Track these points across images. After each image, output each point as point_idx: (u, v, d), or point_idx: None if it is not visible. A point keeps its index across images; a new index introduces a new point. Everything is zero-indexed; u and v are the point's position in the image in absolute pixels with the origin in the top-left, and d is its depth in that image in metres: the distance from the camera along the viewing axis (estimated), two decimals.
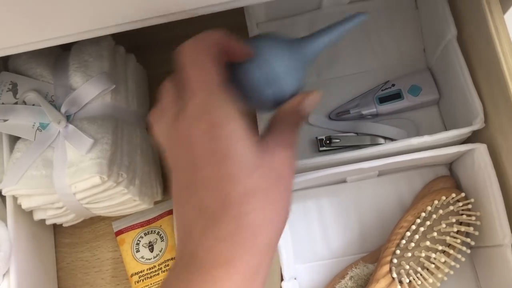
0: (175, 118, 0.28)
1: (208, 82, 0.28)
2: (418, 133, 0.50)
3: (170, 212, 0.52)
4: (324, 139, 0.50)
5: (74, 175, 0.43)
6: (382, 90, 0.50)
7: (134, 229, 0.53)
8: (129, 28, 0.37)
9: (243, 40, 0.33)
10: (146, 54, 0.56)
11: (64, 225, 0.50)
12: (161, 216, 0.53)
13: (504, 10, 0.42)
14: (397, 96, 0.49)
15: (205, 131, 0.27)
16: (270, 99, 0.33)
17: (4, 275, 0.45)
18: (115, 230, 0.53)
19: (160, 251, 0.51)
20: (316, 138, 0.51)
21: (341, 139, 0.50)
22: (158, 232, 0.52)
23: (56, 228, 0.55)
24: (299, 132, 0.32)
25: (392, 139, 0.49)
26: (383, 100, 0.49)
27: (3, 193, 0.45)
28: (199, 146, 0.27)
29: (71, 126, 0.44)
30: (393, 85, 0.50)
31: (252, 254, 0.28)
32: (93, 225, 0.54)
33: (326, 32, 0.37)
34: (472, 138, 0.44)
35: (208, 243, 0.27)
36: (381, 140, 0.50)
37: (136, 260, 0.51)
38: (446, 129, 0.49)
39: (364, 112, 0.50)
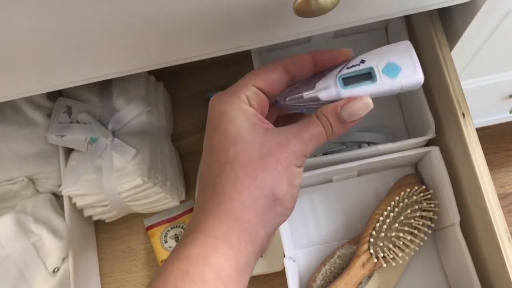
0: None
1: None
2: (394, 137, 0.62)
3: (191, 210, 0.64)
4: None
5: (120, 178, 0.55)
6: (347, 68, 0.34)
7: (162, 225, 0.64)
8: (161, 67, 0.47)
9: None
10: (170, 80, 0.68)
11: (106, 220, 0.62)
12: (184, 213, 0.64)
13: (451, 48, 0.54)
14: (367, 76, 0.34)
15: (211, 112, 0.33)
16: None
17: (63, 259, 0.56)
18: (146, 226, 0.65)
19: None
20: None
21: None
22: (183, 226, 0.64)
23: (97, 226, 0.66)
24: (325, 137, 0.32)
25: (375, 143, 0.60)
26: (348, 81, 0.34)
27: (63, 193, 0.56)
28: (207, 127, 0.33)
29: (116, 140, 0.56)
30: (363, 61, 0.34)
31: (218, 222, 0.30)
32: (128, 222, 0.66)
33: None
34: (432, 142, 0.55)
35: (194, 212, 0.32)
36: (366, 146, 0.61)
37: (165, 249, 0.63)
38: (409, 135, 0.62)
39: (322, 96, 0.34)
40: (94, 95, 0.60)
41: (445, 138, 0.54)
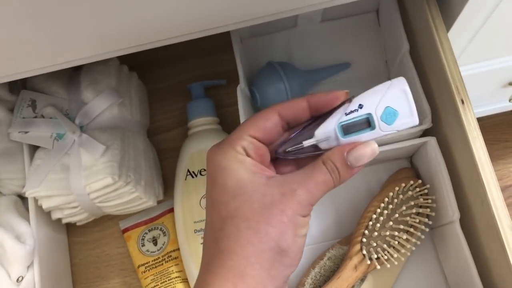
0: None
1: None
2: None
3: (170, 210, 0.59)
4: None
5: (88, 177, 0.50)
6: (346, 114, 0.33)
7: (139, 227, 0.59)
8: (132, 51, 0.44)
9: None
10: (145, 71, 0.63)
11: (77, 224, 0.57)
12: (162, 214, 0.60)
13: (448, 29, 0.50)
14: (366, 123, 0.33)
15: (208, 167, 0.32)
16: None
17: (28, 267, 0.52)
18: (121, 228, 0.60)
19: (163, 245, 0.58)
20: None
21: None
22: (161, 228, 0.59)
23: (69, 228, 0.61)
24: (332, 184, 0.31)
25: None
26: (348, 129, 0.33)
27: (26, 195, 0.52)
28: (206, 182, 0.33)
29: (84, 135, 0.51)
30: (361, 106, 0.33)
31: (223, 281, 0.29)
32: (102, 224, 0.61)
33: (321, 70, 0.58)
34: (428, 133, 0.51)
35: (200, 270, 0.31)
36: None
37: (142, 253, 0.58)
38: None
39: (323, 146, 0.33)
40: (61, 87, 0.55)
41: (442, 127, 0.50)
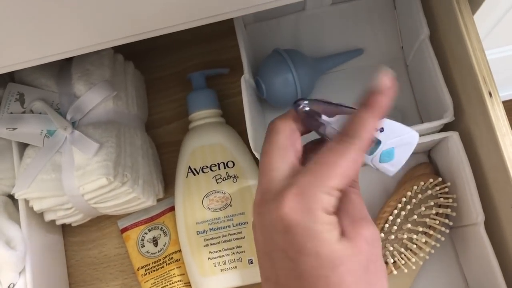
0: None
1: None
2: (403, 120, 0.54)
3: (171, 209, 0.56)
4: None
5: (82, 177, 0.46)
6: None
7: (138, 226, 0.56)
8: (127, 42, 0.40)
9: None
10: (143, 59, 0.59)
11: (72, 224, 0.54)
12: (163, 213, 0.56)
13: (473, 11, 0.45)
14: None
15: (289, 228, 0.28)
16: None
17: (20, 273, 0.48)
18: (120, 228, 0.57)
19: (164, 245, 0.55)
20: None
21: None
22: (161, 228, 0.56)
23: (65, 228, 0.58)
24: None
25: None
26: None
27: (16, 197, 0.48)
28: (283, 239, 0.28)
29: (77, 132, 0.48)
30: (382, 130, 0.32)
31: None
32: (99, 224, 0.58)
33: (332, 58, 0.55)
34: (449, 127, 0.47)
35: None
36: None
37: (142, 255, 0.55)
38: (421, 119, 0.53)
39: (328, 130, 0.33)
40: (51, 80, 0.51)
41: (465, 121, 0.46)
